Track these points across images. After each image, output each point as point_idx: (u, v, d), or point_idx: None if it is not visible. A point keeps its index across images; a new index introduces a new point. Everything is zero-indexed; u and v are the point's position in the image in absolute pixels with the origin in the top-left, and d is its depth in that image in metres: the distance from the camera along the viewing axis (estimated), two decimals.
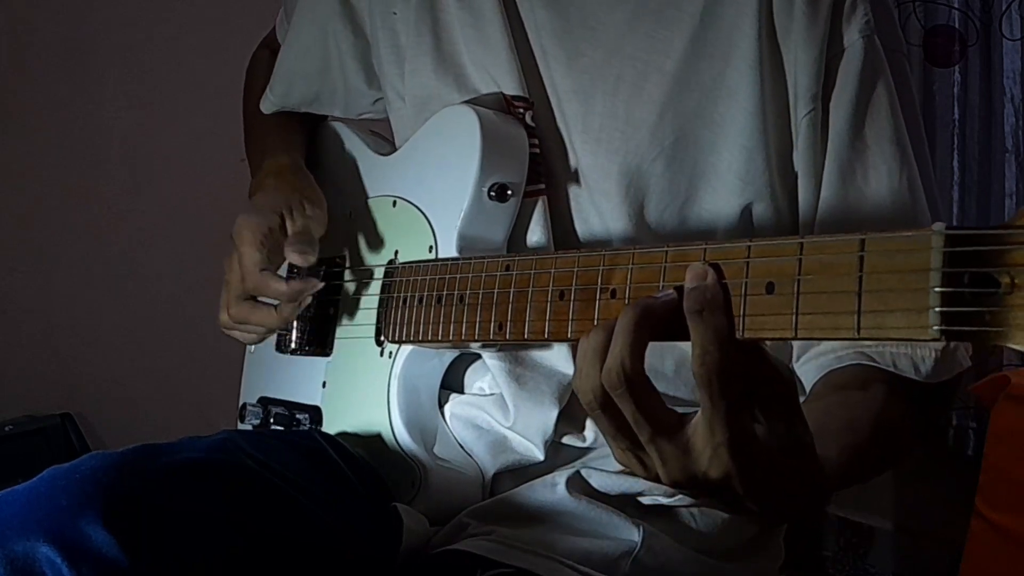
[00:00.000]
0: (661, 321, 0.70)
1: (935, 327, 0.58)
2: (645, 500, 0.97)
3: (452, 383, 1.08)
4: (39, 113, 2.23)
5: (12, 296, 2.22)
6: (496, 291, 0.88)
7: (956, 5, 2.44)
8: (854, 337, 0.62)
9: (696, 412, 0.69)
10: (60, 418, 2.21)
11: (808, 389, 0.96)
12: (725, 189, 0.99)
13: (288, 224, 1.07)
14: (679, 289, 0.70)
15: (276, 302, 1.06)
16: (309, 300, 1.06)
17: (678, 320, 0.69)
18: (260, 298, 1.07)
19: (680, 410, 1.01)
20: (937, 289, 0.58)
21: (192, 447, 0.90)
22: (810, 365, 0.96)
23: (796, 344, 0.98)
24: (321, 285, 1.05)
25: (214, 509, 0.82)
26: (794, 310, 0.65)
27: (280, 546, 0.86)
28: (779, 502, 0.74)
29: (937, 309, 0.57)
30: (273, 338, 1.21)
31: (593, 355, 0.71)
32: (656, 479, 0.72)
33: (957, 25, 2.44)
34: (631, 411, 0.69)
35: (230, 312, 1.08)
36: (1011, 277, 0.55)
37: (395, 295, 1.03)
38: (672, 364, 1.01)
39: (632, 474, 0.97)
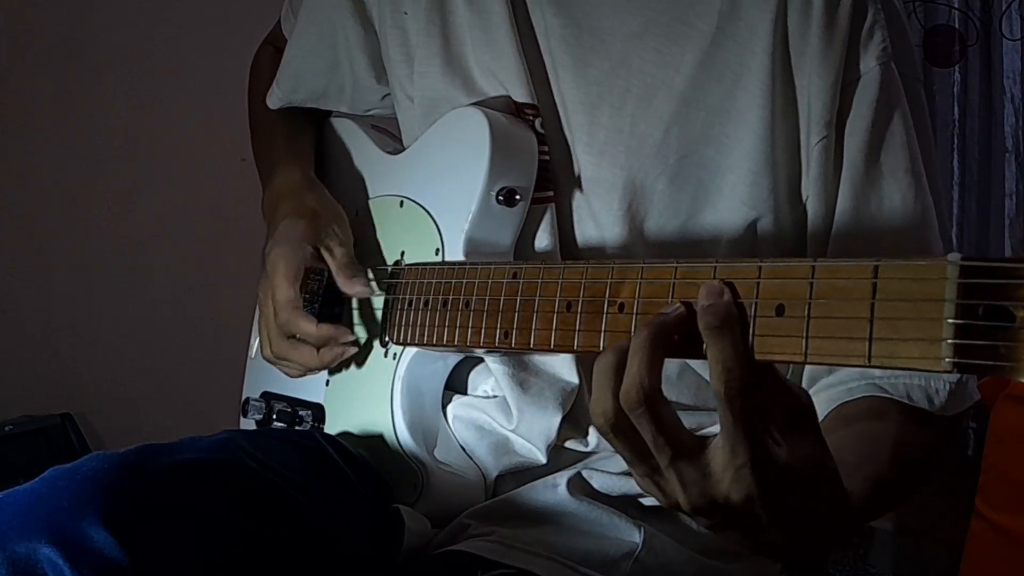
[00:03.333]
0: (675, 337, 0.68)
1: (948, 359, 0.57)
2: (647, 501, 0.98)
3: (455, 384, 1.08)
4: (39, 113, 2.23)
5: (12, 296, 2.22)
6: (503, 298, 0.87)
7: (956, 5, 2.44)
8: (865, 364, 0.61)
9: (714, 434, 0.66)
10: (60, 418, 2.20)
11: (819, 420, 0.95)
12: (728, 210, 0.97)
13: (327, 256, 1.07)
14: (687, 304, 0.68)
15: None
16: (354, 351, 1.07)
17: (690, 336, 0.67)
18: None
19: (682, 415, 1.01)
20: (951, 320, 0.57)
21: (193, 447, 0.90)
22: (820, 396, 0.94)
23: (805, 373, 0.97)
24: (352, 339, 1.06)
25: (215, 509, 0.83)
26: (804, 334, 0.63)
27: (280, 546, 0.86)
28: (804, 531, 0.70)
29: (950, 341, 0.56)
30: None
31: (606, 377, 0.68)
32: (676, 506, 0.69)
33: (957, 25, 2.45)
34: (651, 432, 0.66)
35: (272, 348, 1.09)
36: None
37: (400, 297, 1.03)
38: (675, 368, 1.00)
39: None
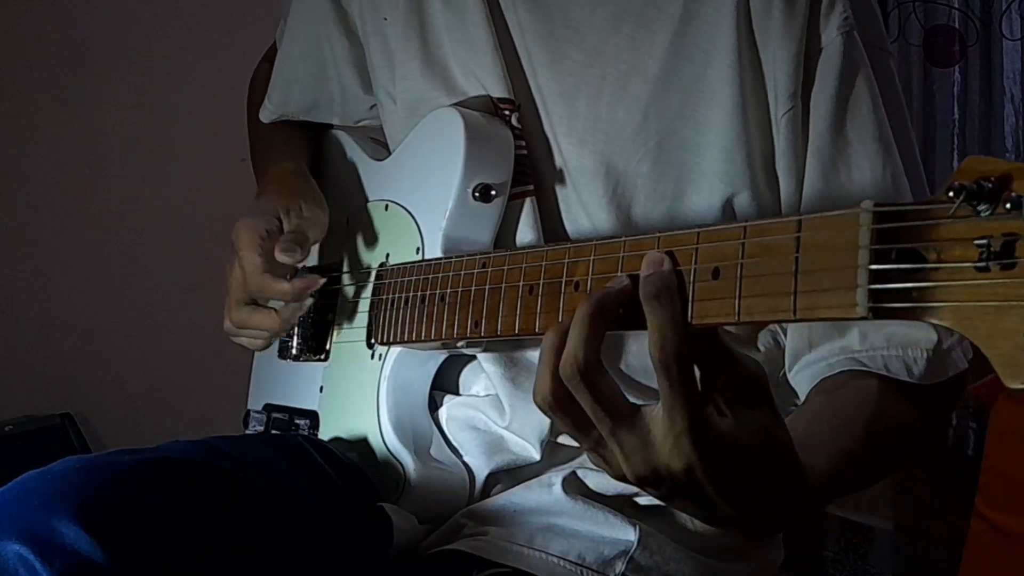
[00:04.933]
0: (616, 310, 0.69)
1: (863, 305, 0.57)
2: (642, 500, 0.97)
3: (447, 385, 1.08)
4: (39, 113, 2.23)
5: (12, 296, 2.22)
6: (473, 288, 0.88)
7: (956, 5, 2.44)
8: (791, 319, 0.62)
9: (656, 403, 0.67)
10: (60, 418, 2.20)
11: (803, 399, 0.95)
12: (709, 189, 0.98)
13: (284, 224, 1.07)
14: (633, 277, 0.70)
15: (276, 305, 1.06)
16: (311, 301, 1.06)
17: (633, 308, 0.68)
18: (261, 302, 1.07)
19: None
20: (866, 267, 0.57)
21: (168, 449, 0.90)
22: (803, 374, 0.95)
23: (788, 353, 0.97)
24: (323, 281, 1.05)
25: (189, 502, 0.83)
26: (736, 294, 0.65)
27: (257, 542, 0.86)
28: (754, 503, 0.71)
29: (866, 287, 0.57)
30: (276, 346, 1.21)
31: (547, 355, 0.69)
32: (622, 477, 0.69)
33: (957, 25, 2.45)
34: (588, 402, 0.67)
35: (231, 317, 1.08)
36: (937, 252, 0.55)
37: (385, 297, 1.04)
38: None
39: None
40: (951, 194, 0.54)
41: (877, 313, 0.57)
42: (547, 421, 1.00)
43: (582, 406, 0.68)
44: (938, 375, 0.91)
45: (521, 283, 0.82)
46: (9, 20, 2.18)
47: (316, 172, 1.24)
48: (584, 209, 1.01)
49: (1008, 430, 1.70)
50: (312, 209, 1.10)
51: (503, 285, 0.84)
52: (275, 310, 1.06)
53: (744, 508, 0.70)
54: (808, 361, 0.94)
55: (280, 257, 1.03)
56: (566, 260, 0.78)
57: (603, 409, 0.67)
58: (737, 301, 0.64)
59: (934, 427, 0.97)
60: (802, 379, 0.95)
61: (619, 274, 0.72)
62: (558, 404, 0.69)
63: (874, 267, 0.57)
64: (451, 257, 0.94)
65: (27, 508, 0.76)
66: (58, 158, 2.23)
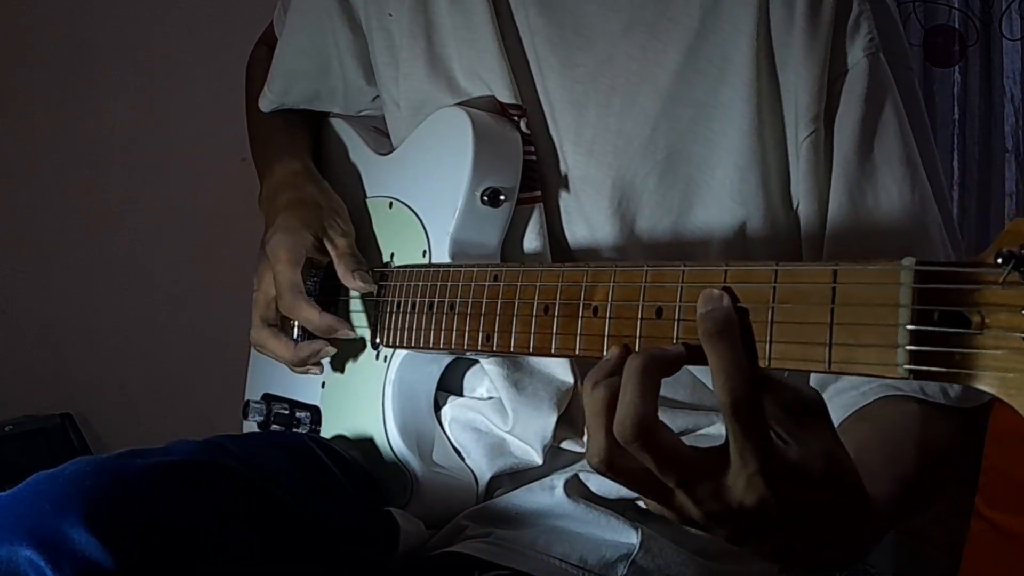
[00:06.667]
0: (669, 370, 0.66)
1: (904, 365, 0.56)
2: (644, 504, 0.97)
3: (451, 386, 1.08)
4: (39, 113, 2.23)
5: (12, 296, 2.22)
6: (484, 301, 0.87)
7: (956, 5, 2.44)
8: (825, 370, 0.60)
9: (713, 436, 0.66)
10: (60, 418, 2.20)
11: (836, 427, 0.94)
12: (718, 207, 0.96)
13: (329, 246, 1.06)
14: (687, 346, 0.67)
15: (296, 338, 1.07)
16: (332, 351, 1.06)
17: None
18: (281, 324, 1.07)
19: (678, 413, 1.01)
20: (906, 326, 0.56)
21: (176, 450, 0.90)
22: (833, 403, 0.92)
23: (812, 381, 0.94)
24: (353, 334, 1.05)
25: (197, 507, 0.83)
26: (767, 338, 0.63)
27: (266, 544, 0.86)
28: (826, 532, 0.69)
29: (906, 347, 0.56)
30: None
31: (598, 416, 0.66)
32: (691, 522, 0.67)
33: (957, 25, 2.45)
34: (653, 462, 0.64)
35: (252, 334, 1.08)
36: (982, 316, 0.54)
37: (389, 299, 1.03)
38: None
39: None
40: (999, 260, 0.53)
41: (918, 375, 0.56)
42: (550, 426, 1.00)
43: (646, 464, 0.64)
44: (974, 399, 0.90)
45: (536, 301, 0.81)
46: (9, 20, 2.18)
47: (316, 160, 1.23)
48: (585, 219, 1.00)
49: (1008, 430, 1.69)
50: (346, 220, 1.09)
51: (516, 300, 0.83)
52: (294, 342, 1.06)
53: (813, 537, 0.68)
54: (836, 390, 0.92)
55: (356, 287, 1.04)
56: (584, 283, 0.76)
57: (669, 465, 0.64)
58: (768, 346, 0.63)
59: (968, 453, 0.96)
60: (833, 408, 0.90)
61: (641, 304, 0.69)
62: (617, 465, 0.66)
63: (915, 327, 0.56)
64: (461, 265, 0.93)
65: (38, 512, 0.76)
66: (58, 158, 2.23)
